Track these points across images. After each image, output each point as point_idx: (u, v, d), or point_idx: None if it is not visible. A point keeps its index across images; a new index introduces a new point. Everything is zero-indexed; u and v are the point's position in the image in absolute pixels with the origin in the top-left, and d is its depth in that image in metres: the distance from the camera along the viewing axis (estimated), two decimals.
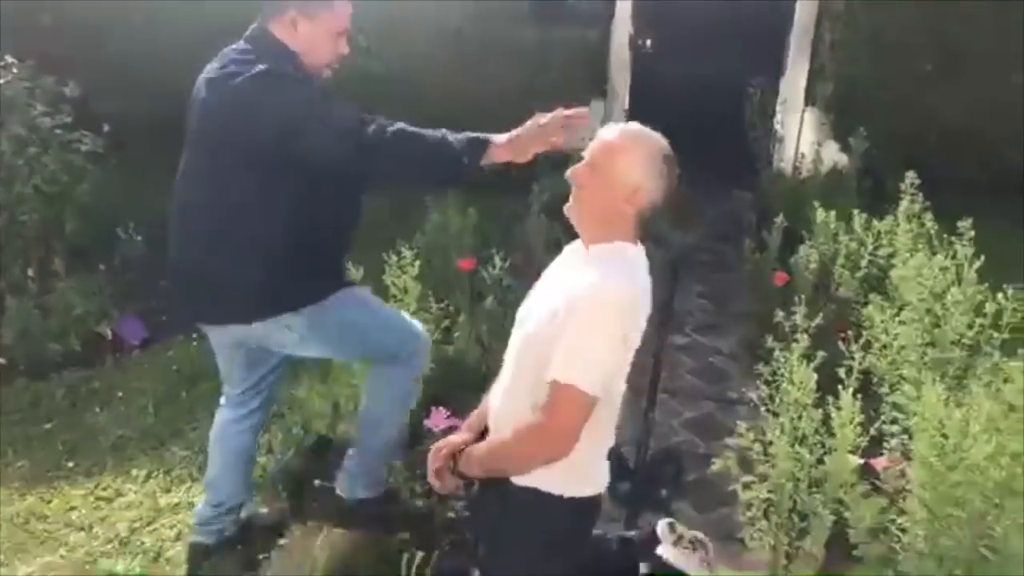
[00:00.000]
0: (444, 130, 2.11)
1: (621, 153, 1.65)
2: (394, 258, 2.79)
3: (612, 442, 1.77)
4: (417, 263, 2.78)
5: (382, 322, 2.35)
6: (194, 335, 3.78)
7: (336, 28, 2.11)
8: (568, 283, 1.62)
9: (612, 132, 1.69)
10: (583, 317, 1.54)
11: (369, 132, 2.01)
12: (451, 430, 2.70)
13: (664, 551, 2.07)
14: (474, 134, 2.08)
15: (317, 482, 2.63)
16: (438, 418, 2.72)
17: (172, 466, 2.93)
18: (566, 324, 1.55)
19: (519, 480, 1.66)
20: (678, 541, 2.10)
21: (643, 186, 1.63)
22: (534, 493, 1.65)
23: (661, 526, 2.11)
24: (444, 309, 3.09)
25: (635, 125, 1.71)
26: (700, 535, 2.15)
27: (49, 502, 2.75)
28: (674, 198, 1.69)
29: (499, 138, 2.05)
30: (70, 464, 2.94)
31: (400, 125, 2.07)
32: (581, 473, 1.69)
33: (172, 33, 5.28)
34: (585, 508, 1.73)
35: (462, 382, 2.94)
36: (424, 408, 2.84)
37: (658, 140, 1.68)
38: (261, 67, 2.00)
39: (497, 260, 3.10)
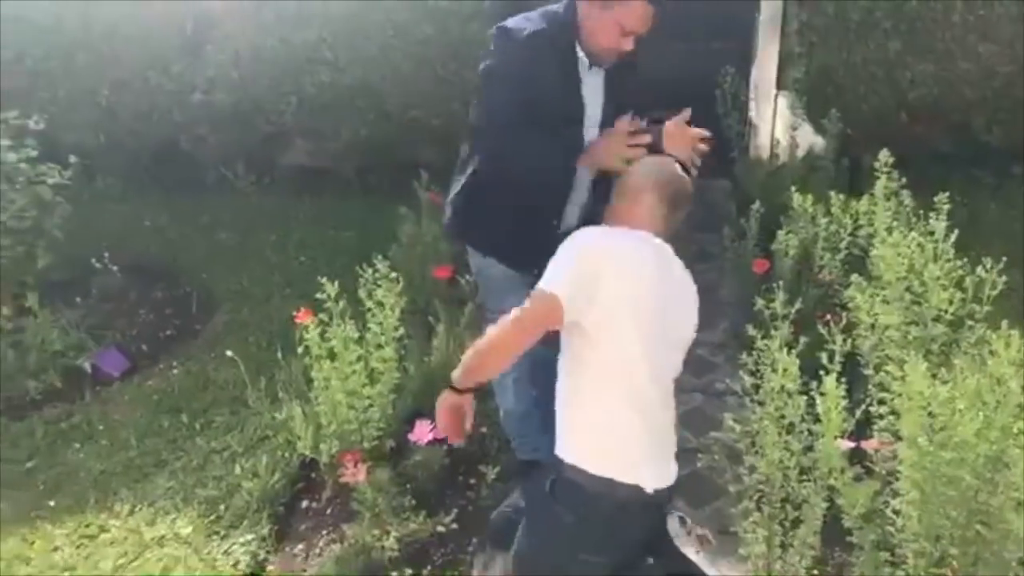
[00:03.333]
0: None
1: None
2: (369, 272, 2.74)
3: (649, 424, 1.80)
4: (394, 275, 2.74)
5: None
6: (174, 363, 3.74)
7: (627, 25, 2.15)
8: None
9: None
10: (565, 248, 1.78)
11: None
12: (436, 443, 2.69)
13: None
14: None
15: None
16: (422, 431, 2.68)
17: (156, 498, 2.88)
18: (563, 251, 1.80)
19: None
20: (688, 536, 2.10)
21: (654, 189, 1.98)
22: (564, 467, 1.74)
23: (672, 520, 2.09)
24: (423, 320, 3.05)
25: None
26: (707, 532, 2.13)
27: (32, 543, 2.69)
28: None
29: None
30: (52, 503, 2.89)
31: None
32: (597, 442, 1.75)
33: (133, 60, 5.24)
34: (618, 495, 1.71)
35: None
36: (407, 421, 2.81)
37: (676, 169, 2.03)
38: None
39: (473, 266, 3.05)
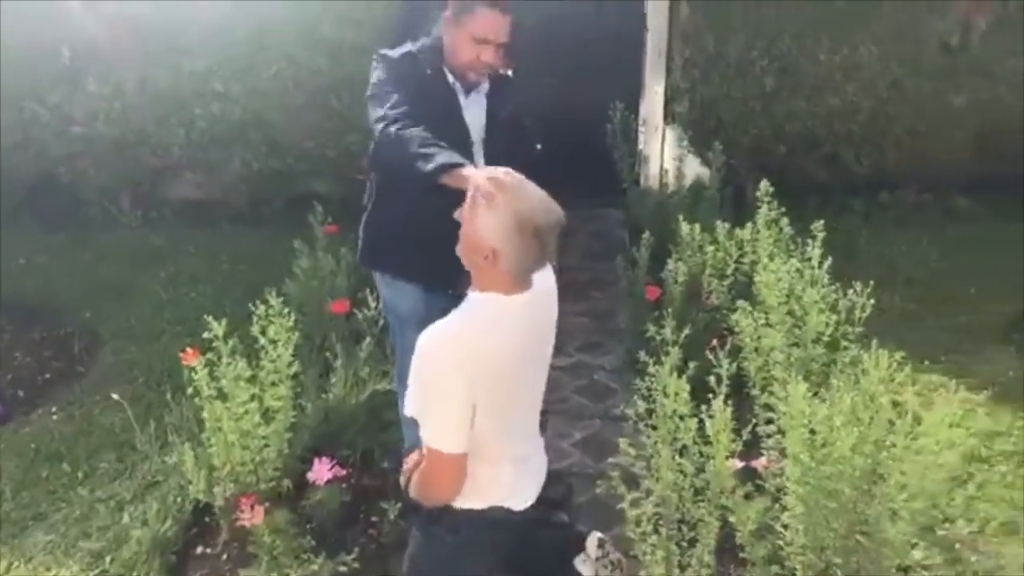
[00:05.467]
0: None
1: (487, 206, 1.60)
2: (261, 308, 2.68)
3: (511, 453, 1.77)
4: (287, 311, 2.68)
5: None
6: (54, 408, 3.54)
7: (477, 34, 2.21)
8: None
9: (488, 181, 1.63)
10: (418, 372, 1.62)
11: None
12: (335, 481, 2.64)
13: (583, 567, 2.08)
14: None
15: None
16: (321, 470, 2.63)
17: (35, 553, 2.70)
18: (415, 373, 1.63)
19: None
20: (603, 558, 2.11)
21: (500, 249, 1.60)
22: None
23: (592, 539, 2.11)
24: (320, 355, 3.00)
25: (517, 179, 1.65)
26: (623, 559, 2.16)
27: None
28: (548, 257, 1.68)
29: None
30: None
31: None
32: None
33: (7, 89, 4.98)
34: (482, 521, 1.73)
35: (344, 430, 2.86)
36: (306, 460, 2.75)
37: (531, 207, 1.61)
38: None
39: (371, 300, 3.04)
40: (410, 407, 1.67)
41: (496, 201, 1.60)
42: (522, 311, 1.68)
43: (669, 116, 5.00)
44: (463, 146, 2.27)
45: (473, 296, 1.68)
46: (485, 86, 2.37)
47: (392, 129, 2.19)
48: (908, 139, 4.77)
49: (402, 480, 1.89)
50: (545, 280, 1.78)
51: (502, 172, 1.66)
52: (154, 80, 4.96)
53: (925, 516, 2.16)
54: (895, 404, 2.35)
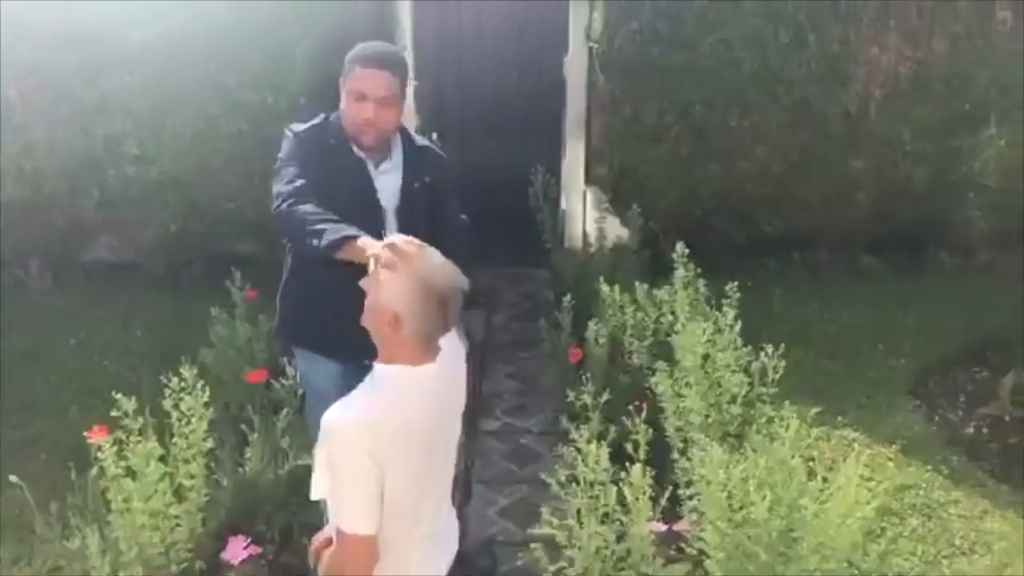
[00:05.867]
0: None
1: (389, 273, 1.61)
2: (175, 380, 2.60)
3: (422, 530, 1.72)
4: (201, 383, 2.60)
5: None
6: None
7: (352, 88, 2.25)
8: None
9: (388, 248, 1.64)
10: (325, 452, 1.59)
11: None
12: (251, 560, 2.54)
13: None
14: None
15: None
16: (236, 548, 2.53)
17: None
18: (321, 454, 1.61)
19: None
20: None
21: (403, 316, 1.59)
22: None
23: None
24: (236, 427, 2.92)
25: (417, 246, 1.65)
26: None
27: None
28: (451, 324, 1.67)
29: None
30: None
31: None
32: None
33: None
34: None
35: (261, 506, 2.77)
36: (223, 538, 2.64)
37: (433, 273, 1.62)
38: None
39: (289, 369, 2.98)
40: (317, 489, 1.64)
41: (397, 267, 1.61)
42: (429, 382, 1.67)
43: (590, 178, 5.13)
44: (373, 216, 2.27)
45: (378, 369, 1.67)
46: (398, 155, 2.39)
47: (284, 206, 2.21)
48: (816, 201, 4.99)
49: (311, 560, 1.84)
50: (452, 349, 1.78)
51: (402, 239, 1.66)
52: (64, 142, 4.83)
53: (839, 573, 2.21)
54: (808, 463, 2.41)
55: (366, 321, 1.67)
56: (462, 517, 3.01)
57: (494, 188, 5.00)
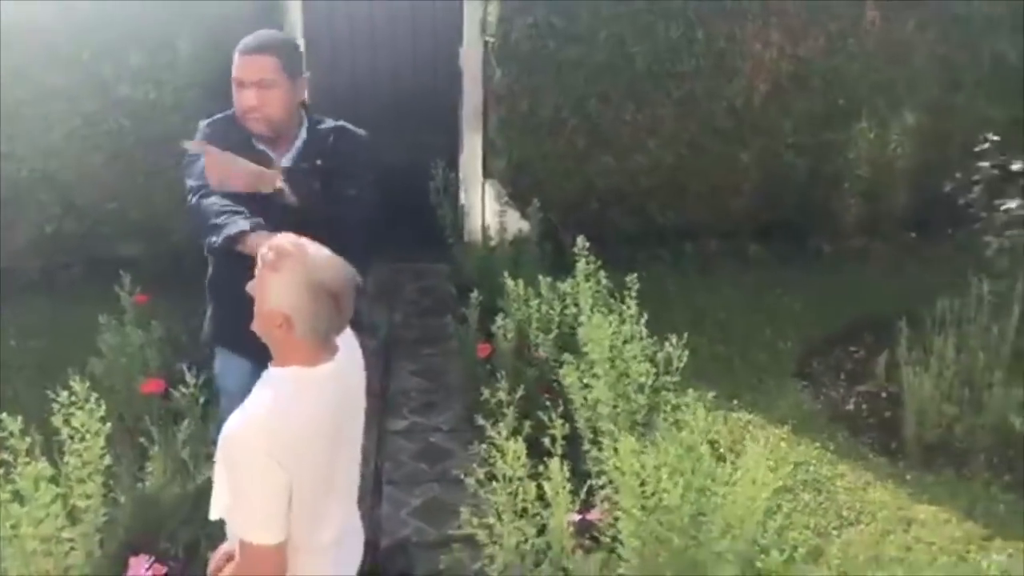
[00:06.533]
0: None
1: (274, 273, 1.56)
2: (64, 394, 2.44)
3: (328, 535, 1.68)
4: (95, 398, 2.45)
5: None
6: None
7: (233, 77, 2.23)
8: None
9: (270, 249, 1.58)
10: (225, 463, 1.53)
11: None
12: None
13: None
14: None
15: None
16: (138, 568, 2.41)
17: None
18: (221, 464, 1.55)
19: None
20: None
21: (293, 316, 1.54)
22: None
23: None
24: (132, 440, 2.77)
25: (302, 243, 1.60)
26: None
27: None
28: (344, 321, 1.63)
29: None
30: None
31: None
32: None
33: None
34: None
35: (165, 522, 2.65)
36: (123, 559, 2.51)
37: (321, 269, 1.56)
38: None
39: (189, 378, 2.85)
40: (216, 507, 1.58)
41: (279, 266, 1.55)
42: (327, 382, 1.62)
43: (488, 172, 5.14)
44: (275, 209, 2.21)
45: (273, 372, 1.62)
46: (300, 142, 2.33)
47: (193, 200, 2.20)
48: (706, 192, 5.18)
49: (212, 561, 1.78)
50: (349, 347, 1.74)
51: (285, 238, 1.61)
52: None
53: (745, 552, 2.32)
54: (712, 447, 2.52)
55: (256, 326, 1.62)
56: (374, 520, 2.99)
57: (392, 183, 4.92)
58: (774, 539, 2.68)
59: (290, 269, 1.54)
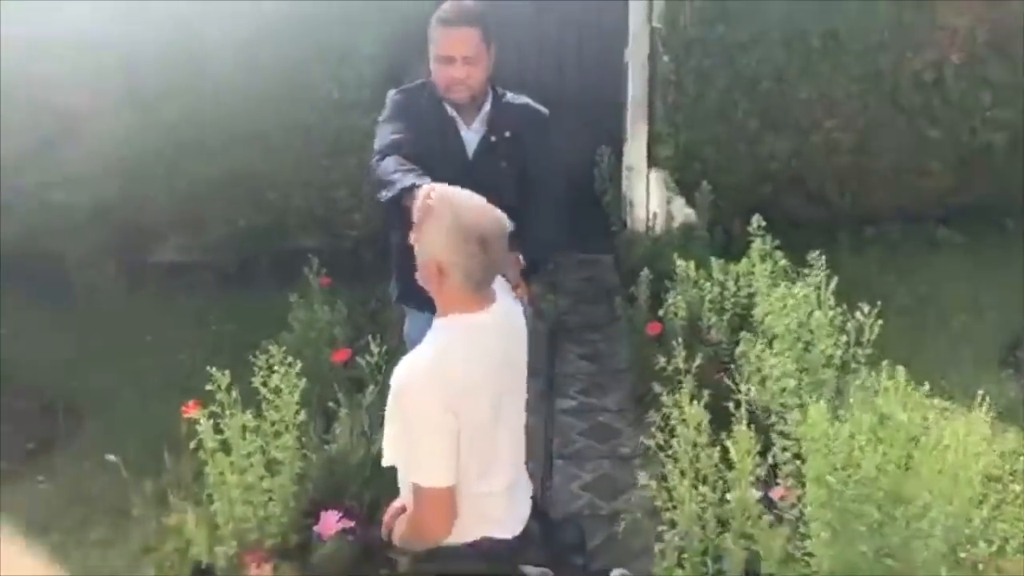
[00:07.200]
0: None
1: (427, 221, 1.61)
2: (262, 358, 2.62)
3: (497, 482, 1.70)
4: (290, 360, 2.62)
5: None
6: (39, 477, 3.41)
7: (439, 53, 2.27)
8: None
9: (424, 196, 1.64)
10: (396, 410, 1.57)
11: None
12: (343, 534, 2.54)
13: None
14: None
15: None
16: (329, 522, 2.54)
17: None
18: (392, 413, 1.59)
19: None
20: None
21: (446, 262, 1.58)
22: None
23: (616, 575, 2.05)
24: (321, 407, 2.93)
25: (452, 191, 1.65)
26: None
27: None
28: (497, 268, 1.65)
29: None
30: None
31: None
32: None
33: None
34: (473, 554, 1.68)
35: (349, 481, 2.77)
36: (312, 513, 2.65)
37: (469, 214, 1.60)
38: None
39: (373, 347, 2.98)
40: (390, 453, 1.63)
41: (433, 213, 1.60)
42: (487, 329, 1.65)
43: (654, 160, 5.05)
44: (461, 171, 2.26)
45: (436, 322, 1.67)
46: (486, 111, 2.38)
47: (373, 161, 2.28)
48: (889, 173, 4.84)
49: (384, 532, 1.83)
50: (507, 301, 1.77)
51: (440, 187, 1.67)
52: (130, 142, 4.91)
53: (949, 537, 2.12)
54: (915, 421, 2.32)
55: (419, 276, 1.67)
56: (546, 493, 3.00)
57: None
58: (980, 529, 2.45)
59: (437, 216, 1.59)
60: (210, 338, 4.54)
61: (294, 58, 4.76)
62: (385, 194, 2.15)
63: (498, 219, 1.64)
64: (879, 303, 2.91)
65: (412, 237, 1.67)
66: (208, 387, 2.45)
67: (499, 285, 1.76)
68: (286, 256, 4.66)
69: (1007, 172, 4.83)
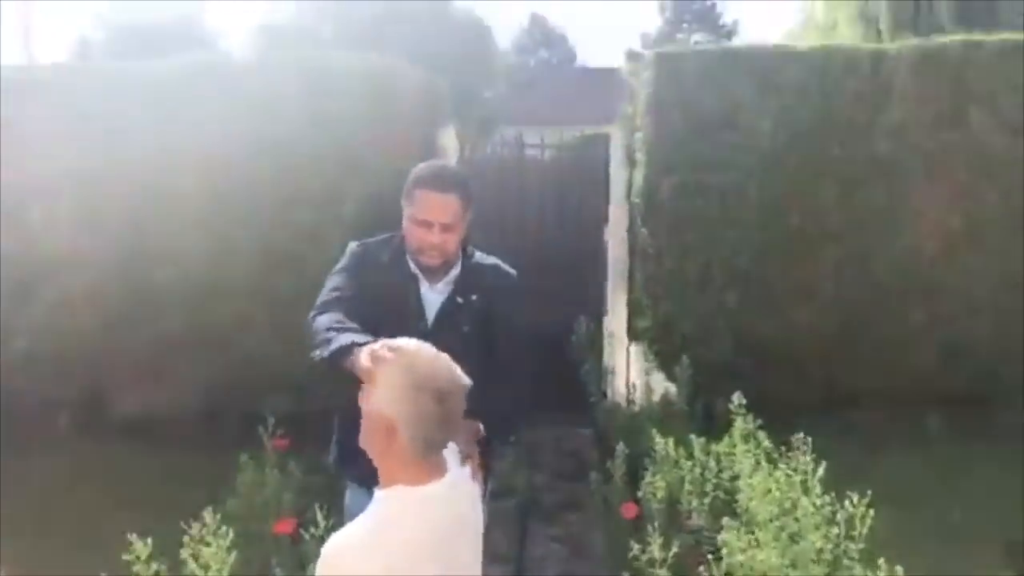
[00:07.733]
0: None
1: (379, 371, 1.47)
2: (195, 527, 2.36)
3: None
4: (225, 529, 2.36)
5: None
6: None
7: (417, 216, 2.17)
8: None
9: (377, 350, 1.51)
10: None
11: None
12: None
13: None
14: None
15: None
16: None
17: None
18: None
19: None
20: None
21: (396, 417, 1.42)
22: None
23: None
24: None
25: (406, 341, 1.53)
26: None
27: None
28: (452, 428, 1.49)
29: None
30: None
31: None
32: None
33: None
34: None
35: None
36: None
37: (425, 365, 1.47)
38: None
39: (320, 518, 2.71)
40: None
41: (386, 367, 1.47)
42: (433, 504, 1.47)
43: (633, 331, 4.97)
44: (417, 332, 2.12)
45: (378, 494, 1.48)
46: (455, 272, 2.27)
47: (310, 316, 2.15)
48: (874, 353, 4.76)
49: None
50: (460, 473, 1.61)
51: (387, 342, 1.54)
52: (99, 295, 4.83)
53: None
54: None
55: (362, 440, 1.50)
56: None
57: (533, 340, 4.86)
58: None
59: (397, 368, 1.46)
60: (161, 496, 4.21)
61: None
62: (319, 353, 1.99)
63: (455, 373, 1.50)
64: (869, 492, 2.74)
65: (359, 395, 1.51)
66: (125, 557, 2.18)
67: (451, 454, 1.58)
68: (253, 417, 4.46)
69: (994, 361, 4.76)
